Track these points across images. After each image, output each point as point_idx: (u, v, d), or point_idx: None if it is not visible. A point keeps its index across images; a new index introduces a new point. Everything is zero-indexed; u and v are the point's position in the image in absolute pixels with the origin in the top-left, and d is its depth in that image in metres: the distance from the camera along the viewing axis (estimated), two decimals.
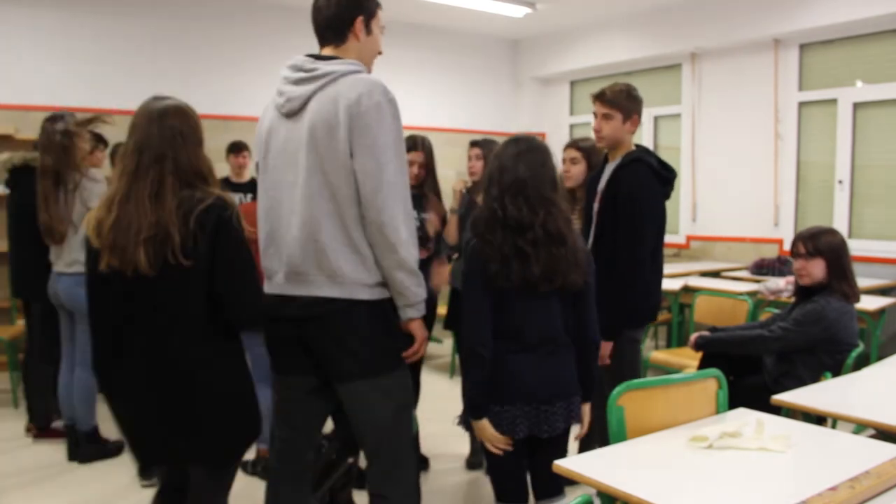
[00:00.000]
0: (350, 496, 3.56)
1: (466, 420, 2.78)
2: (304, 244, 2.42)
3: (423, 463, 4.28)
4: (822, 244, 3.60)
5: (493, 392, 2.66)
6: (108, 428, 4.56)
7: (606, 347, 3.47)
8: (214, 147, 6.76)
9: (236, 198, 6.29)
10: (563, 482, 2.79)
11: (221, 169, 6.78)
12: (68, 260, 4.25)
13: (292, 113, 2.46)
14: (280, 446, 2.70)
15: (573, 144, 4.26)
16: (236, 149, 6.63)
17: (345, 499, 3.53)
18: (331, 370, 2.51)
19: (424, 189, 4.04)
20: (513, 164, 2.68)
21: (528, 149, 2.73)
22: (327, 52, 2.54)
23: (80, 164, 4.28)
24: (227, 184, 6.58)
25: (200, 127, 2.48)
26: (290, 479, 2.69)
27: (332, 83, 2.40)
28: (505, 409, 2.64)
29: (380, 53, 2.65)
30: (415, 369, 3.54)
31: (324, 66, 2.43)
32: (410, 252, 2.45)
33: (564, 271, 2.64)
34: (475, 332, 2.63)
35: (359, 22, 2.52)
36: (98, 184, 4.31)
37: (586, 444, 3.57)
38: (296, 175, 2.44)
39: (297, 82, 2.45)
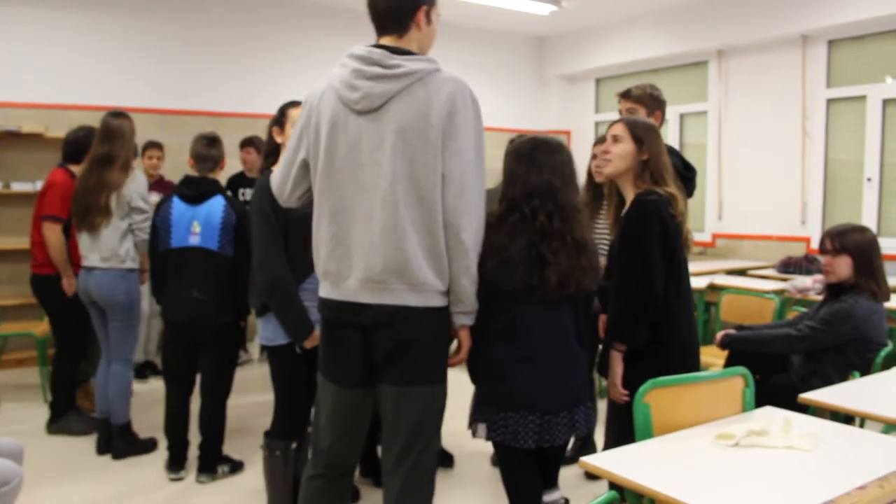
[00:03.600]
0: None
1: (473, 423, 2.80)
2: (385, 253, 2.33)
3: (448, 459, 4.30)
4: (848, 241, 3.58)
5: (498, 399, 2.66)
6: (138, 424, 4.62)
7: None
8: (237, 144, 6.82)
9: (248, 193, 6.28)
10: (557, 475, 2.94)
11: (236, 165, 6.82)
12: (105, 254, 4.27)
13: (368, 111, 2.33)
14: (323, 451, 2.62)
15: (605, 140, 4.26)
16: (244, 144, 6.61)
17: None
18: (392, 375, 2.42)
19: None
20: (544, 168, 2.67)
21: (556, 151, 2.72)
22: (388, 42, 2.43)
23: (131, 161, 4.33)
24: (243, 178, 6.60)
25: None
26: (334, 487, 2.64)
27: (419, 83, 2.32)
28: (509, 416, 2.64)
29: None
30: None
31: (406, 64, 2.32)
32: (476, 259, 2.42)
33: (579, 278, 2.64)
34: None
35: (421, 12, 2.43)
36: (140, 185, 4.33)
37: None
38: (376, 179, 2.33)
39: (375, 78, 2.32)
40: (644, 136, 2.93)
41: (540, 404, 2.64)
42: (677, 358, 2.85)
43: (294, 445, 3.45)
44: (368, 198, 2.35)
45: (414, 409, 2.44)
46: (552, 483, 2.93)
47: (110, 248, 4.27)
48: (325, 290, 2.50)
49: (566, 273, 2.61)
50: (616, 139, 2.97)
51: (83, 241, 4.35)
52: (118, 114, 4.36)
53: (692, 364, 2.92)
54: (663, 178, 2.89)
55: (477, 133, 2.39)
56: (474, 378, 2.82)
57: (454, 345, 2.63)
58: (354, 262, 2.39)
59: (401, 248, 2.32)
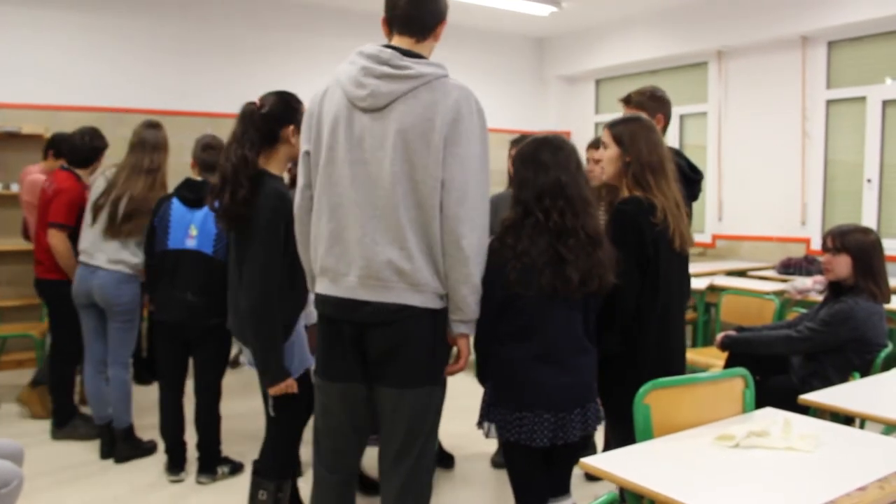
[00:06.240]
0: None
1: (483, 423, 2.79)
2: (387, 251, 2.33)
3: (448, 460, 4.31)
4: (849, 241, 3.58)
5: (513, 399, 2.65)
6: (141, 428, 4.62)
7: None
8: None
9: None
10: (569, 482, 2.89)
11: None
12: (113, 258, 4.24)
13: (374, 109, 2.33)
14: (327, 455, 2.62)
15: (597, 145, 4.26)
16: None
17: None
18: (389, 376, 2.43)
19: None
20: (550, 166, 2.64)
21: (560, 148, 2.71)
22: (404, 44, 2.44)
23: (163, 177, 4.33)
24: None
25: None
26: (339, 488, 2.63)
27: (426, 86, 2.32)
28: (524, 416, 2.63)
29: None
30: None
31: (416, 66, 2.33)
32: (479, 268, 2.40)
33: (601, 274, 2.63)
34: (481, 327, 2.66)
35: (442, 26, 2.50)
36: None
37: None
38: (377, 177, 2.33)
39: (383, 77, 2.32)
40: (624, 136, 2.91)
41: (555, 402, 2.63)
42: (651, 361, 2.84)
43: (283, 486, 3.30)
44: (369, 195, 2.35)
45: (411, 411, 2.44)
46: (564, 489, 2.90)
47: (120, 254, 4.24)
48: (324, 287, 2.49)
49: (586, 270, 2.59)
50: (604, 145, 3.00)
51: (91, 236, 4.28)
52: (156, 124, 4.36)
53: (673, 366, 2.91)
54: (646, 180, 2.85)
55: (482, 142, 2.38)
56: (484, 379, 2.80)
57: (455, 351, 2.61)
58: (354, 258, 2.38)
59: (403, 248, 2.33)
